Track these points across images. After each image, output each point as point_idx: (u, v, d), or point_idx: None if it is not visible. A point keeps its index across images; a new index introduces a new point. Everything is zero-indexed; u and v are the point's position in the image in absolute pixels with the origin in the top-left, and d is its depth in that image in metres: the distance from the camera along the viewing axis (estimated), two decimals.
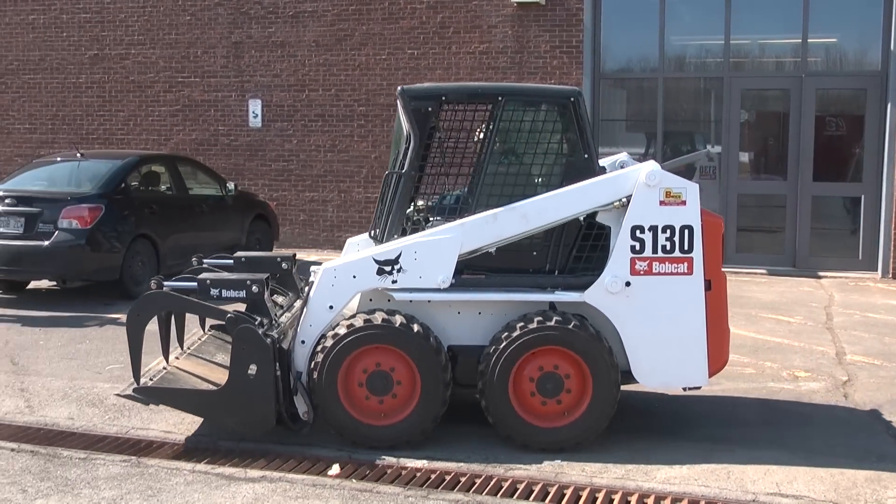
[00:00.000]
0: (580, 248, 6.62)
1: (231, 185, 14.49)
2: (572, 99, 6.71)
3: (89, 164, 12.88)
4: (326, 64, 16.65)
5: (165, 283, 6.74)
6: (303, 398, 6.44)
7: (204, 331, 7.82)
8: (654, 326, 6.42)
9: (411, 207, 6.98)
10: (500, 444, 6.51)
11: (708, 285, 6.46)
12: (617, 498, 5.75)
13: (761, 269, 14.77)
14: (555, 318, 6.33)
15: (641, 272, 6.37)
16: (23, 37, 18.61)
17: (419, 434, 6.44)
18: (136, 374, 6.40)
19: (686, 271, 6.38)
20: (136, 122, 17.93)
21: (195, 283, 6.68)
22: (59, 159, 13.70)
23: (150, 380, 6.58)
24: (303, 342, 6.55)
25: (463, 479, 5.98)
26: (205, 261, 7.62)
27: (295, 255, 7.87)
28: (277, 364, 6.24)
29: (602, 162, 7.19)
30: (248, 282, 6.61)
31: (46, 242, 11.47)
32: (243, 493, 5.66)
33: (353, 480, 5.93)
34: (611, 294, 6.38)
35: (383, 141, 16.29)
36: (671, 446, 6.61)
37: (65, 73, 18.34)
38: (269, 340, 6.21)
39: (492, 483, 5.92)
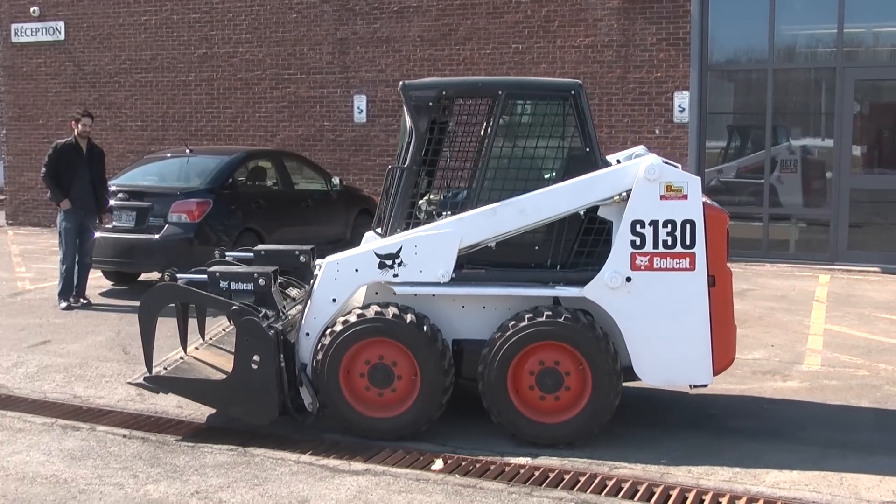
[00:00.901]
0: (582, 242, 6.56)
1: (336, 180, 14.64)
2: (573, 92, 6.63)
3: (198, 160, 13.16)
4: (431, 59, 16.69)
5: (179, 275, 6.98)
6: (308, 390, 6.55)
7: (230, 322, 7.77)
8: (656, 322, 6.32)
9: (422, 201, 7.00)
10: (603, 443, 6.44)
11: (712, 281, 6.34)
12: (724, 501, 5.61)
13: (874, 267, 14.26)
14: (548, 314, 6.30)
15: (642, 267, 6.29)
16: (135, 37, 19.14)
17: (418, 428, 6.51)
18: (149, 362, 6.65)
19: (688, 267, 6.27)
20: (244, 118, 18.27)
21: (206, 276, 6.88)
22: (168, 155, 14.04)
23: (165, 369, 6.82)
24: (307, 334, 6.67)
25: (567, 477, 5.91)
26: (227, 254, 7.89)
27: (314, 248, 7.91)
28: (282, 356, 6.41)
29: (618, 154, 7.20)
30: (256, 275, 6.80)
31: (157, 236, 11.76)
32: (347, 486, 5.70)
33: (457, 475, 5.92)
34: (611, 289, 6.31)
35: None
36: (780, 449, 6.42)
37: (175, 71, 18.79)
38: (272, 332, 6.38)
39: (596, 481, 5.84)
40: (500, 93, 6.66)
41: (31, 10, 19.96)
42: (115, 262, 12.14)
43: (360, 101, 17.27)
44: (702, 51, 15.25)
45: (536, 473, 5.96)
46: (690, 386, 6.82)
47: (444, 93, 6.75)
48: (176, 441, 6.54)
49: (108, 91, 19.53)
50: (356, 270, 6.63)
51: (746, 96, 16.19)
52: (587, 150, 6.62)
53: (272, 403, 6.43)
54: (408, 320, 6.40)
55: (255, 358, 6.36)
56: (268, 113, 18.11)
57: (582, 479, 5.86)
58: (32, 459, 6.12)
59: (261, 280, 6.76)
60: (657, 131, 15.40)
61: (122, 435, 6.62)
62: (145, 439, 6.55)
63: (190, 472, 5.91)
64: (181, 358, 7.09)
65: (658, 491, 5.71)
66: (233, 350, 6.67)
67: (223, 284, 6.78)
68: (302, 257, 7.79)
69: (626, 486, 5.79)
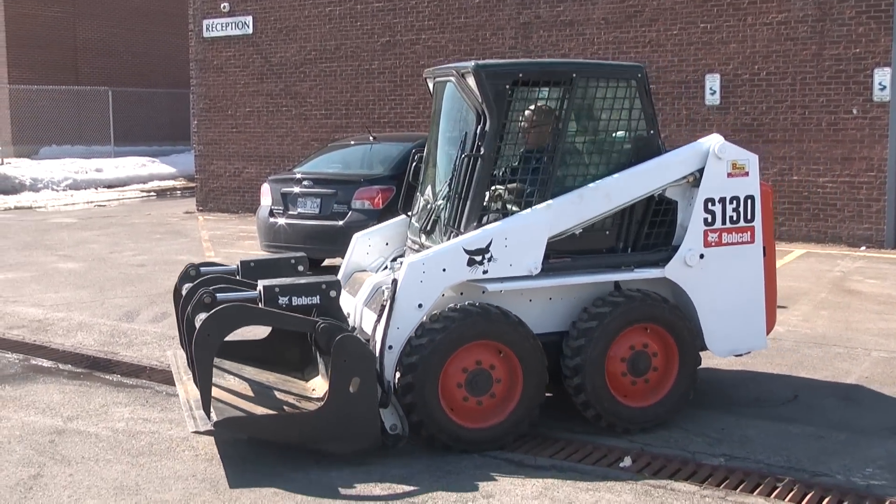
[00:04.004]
0: (650, 224, 6.51)
1: None
2: (639, 74, 6.49)
3: (381, 147, 13.24)
4: (616, 41, 16.26)
5: (220, 295, 5.99)
6: (396, 410, 5.80)
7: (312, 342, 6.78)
8: (724, 295, 6.51)
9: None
10: (802, 446, 6.04)
11: (763, 251, 6.60)
12: None
13: None
14: (639, 297, 6.23)
15: (713, 244, 6.46)
16: (320, 28, 19.51)
17: (521, 432, 6.06)
18: (207, 403, 5.61)
19: (749, 240, 6.56)
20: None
21: (257, 292, 5.97)
22: (352, 143, 14.19)
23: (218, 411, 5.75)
24: (390, 347, 5.87)
25: (763, 483, 5.53)
26: (202, 269, 6.96)
27: (305, 256, 7.22)
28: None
29: None
30: (324, 285, 6.00)
31: (341, 222, 11.88)
32: (532, 482, 5.51)
33: (646, 475, 5.64)
34: (688, 267, 6.40)
35: (673, 119, 15.72)
36: None
37: (358, 60, 19.04)
38: (370, 349, 5.74)
39: (794, 489, 5.43)
40: (573, 75, 6.33)
41: (222, 6, 20.65)
42: (299, 248, 12.33)
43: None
44: None
45: (731, 477, 5.61)
46: (745, 352, 6.92)
47: (520, 75, 6.29)
48: None
49: (293, 81, 19.99)
50: (443, 270, 5.97)
51: None
52: (651, 132, 6.52)
53: (375, 430, 5.67)
54: (511, 318, 5.97)
55: (355, 380, 5.56)
56: None
57: (780, 486, 5.47)
58: None
59: (331, 291, 5.99)
60: (855, 111, 14.50)
61: None
62: None
63: (373, 462, 5.84)
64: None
65: None
66: (241, 374, 6.28)
67: (282, 300, 5.86)
68: (299, 266, 7.06)
69: (828, 497, 5.35)
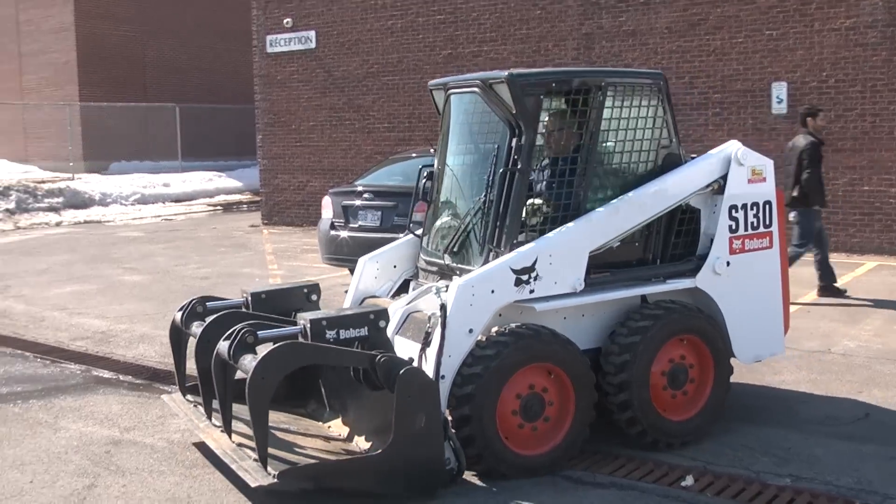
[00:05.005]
0: (676, 233, 6.45)
1: None
2: (662, 82, 6.41)
3: None
4: (679, 51, 16.02)
5: (260, 332, 5.47)
6: (453, 444, 5.42)
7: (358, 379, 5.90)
8: (747, 302, 6.50)
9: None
10: (873, 466, 5.78)
11: None
12: None
13: None
14: (679, 308, 6.16)
15: (737, 251, 6.46)
16: (382, 41, 19.55)
17: (573, 454, 5.83)
18: (265, 456, 5.09)
19: (768, 245, 6.61)
20: None
21: (301, 327, 5.47)
22: (413, 155, 14.13)
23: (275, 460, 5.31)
24: (443, 377, 5.50)
25: None
26: (208, 304, 6.51)
27: (318, 284, 6.81)
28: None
29: None
30: (372, 315, 5.53)
31: (401, 235, 11.80)
32: (590, 499, 5.36)
33: (709, 495, 5.44)
34: (716, 275, 6.37)
35: (739, 129, 15.41)
36: None
37: (420, 73, 19.02)
38: (434, 382, 5.37)
39: None
40: (602, 84, 6.15)
41: (285, 21, 20.81)
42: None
43: None
44: None
45: (797, 498, 5.38)
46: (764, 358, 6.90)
47: (553, 84, 6.07)
48: None
49: (356, 95, 20.05)
50: (492, 292, 5.67)
51: None
52: (674, 140, 6.46)
53: (442, 468, 5.33)
54: (560, 337, 5.75)
55: (421, 417, 5.18)
56: None
57: None
58: None
59: (379, 322, 5.53)
60: None
61: None
62: None
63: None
64: (239, 444, 5.61)
65: None
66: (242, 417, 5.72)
67: (330, 335, 5.36)
68: (313, 296, 6.65)
69: None
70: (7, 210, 22.90)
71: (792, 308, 10.34)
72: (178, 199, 26.99)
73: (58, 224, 22.51)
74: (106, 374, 8.50)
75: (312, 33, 20.57)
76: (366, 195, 12.34)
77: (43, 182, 25.52)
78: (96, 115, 30.10)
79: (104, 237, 19.63)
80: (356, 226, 12.24)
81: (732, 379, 7.22)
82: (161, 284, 13.16)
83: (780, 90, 15.04)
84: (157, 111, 31.02)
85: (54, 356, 9.18)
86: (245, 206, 26.91)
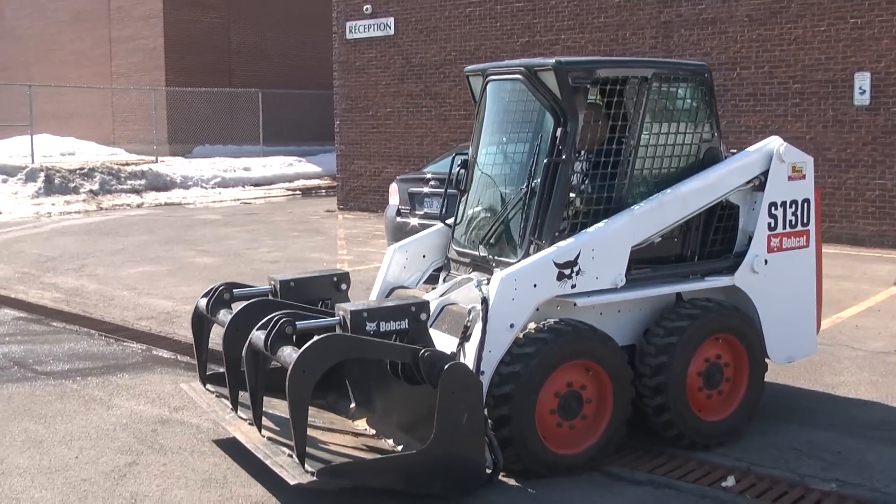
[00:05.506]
0: (715, 230, 6.30)
1: None
2: (706, 74, 6.29)
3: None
4: (760, 39, 15.62)
5: (298, 323, 5.34)
6: (492, 443, 5.26)
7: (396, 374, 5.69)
8: (783, 301, 6.37)
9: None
10: None
11: None
12: None
13: None
14: (716, 306, 6.00)
15: (776, 249, 6.33)
16: (460, 29, 19.49)
17: (609, 453, 5.66)
18: (303, 453, 4.96)
19: (804, 244, 6.47)
20: None
21: (338, 318, 5.32)
22: None
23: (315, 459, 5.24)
24: (482, 373, 5.36)
25: None
26: (235, 291, 6.39)
27: (347, 273, 6.59)
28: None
29: None
30: (413, 308, 5.33)
31: None
32: (624, 496, 5.26)
33: (748, 497, 5.28)
34: (754, 273, 6.23)
35: (819, 120, 14.98)
36: None
37: (498, 60, 18.87)
38: (478, 378, 5.21)
39: None
40: (649, 74, 5.99)
41: (364, 7, 20.89)
42: None
43: None
44: None
45: None
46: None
47: (599, 74, 5.93)
48: None
49: (433, 82, 20.03)
50: (535, 286, 5.52)
51: None
52: (716, 134, 6.34)
53: (482, 468, 5.18)
54: (599, 333, 5.60)
55: (464, 414, 5.02)
56: None
57: None
58: None
59: (422, 314, 5.34)
60: None
61: None
62: None
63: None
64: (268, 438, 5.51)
65: None
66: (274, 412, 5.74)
67: (370, 327, 5.18)
68: (342, 284, 6.46)
69: None
70: (91, 191, 23.48)
71: (861, 307, 10.11)
72: (257, 184, 27.35)
73: (139, 206, 23.00)
74: (165, 354, 8.63)
75: (391, 20, 20.61)
76: (432, 182, 12.28)
77: (127, 164, 26.12)
78: (181, 99, 30.66)
79: (182, 219, 19.99)
80: (422, 213, 12.19)
81: (788, 379, 7.07)
82: (230, 267, 13.33)
83: (863, 81, 14.55)
84: (241, 96, 31.46)
85: (118, 335, 9.36)
86: (323, 190, 27.14)
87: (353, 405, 6.32)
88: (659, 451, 5.94)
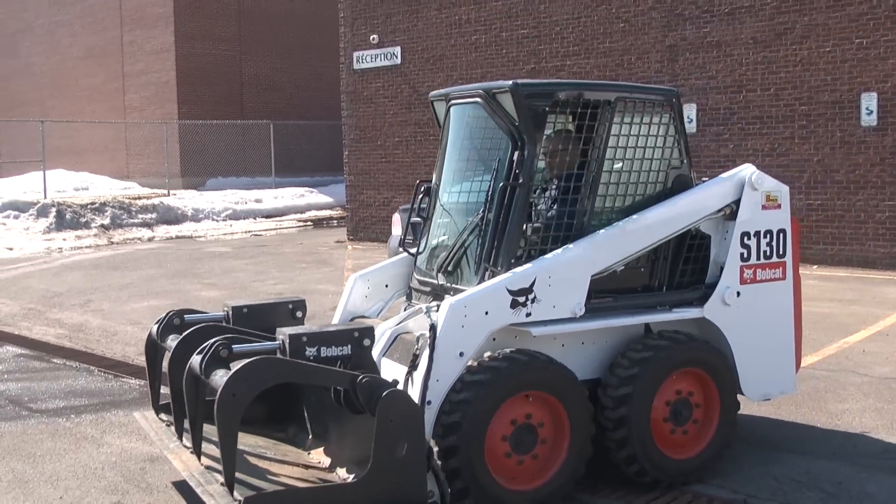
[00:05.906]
0: (685, 260, 6.09)
1: None
2: (674, 99, 6.09)
3: None
4: (765, 61, 15.53)
5: (235, 346, 5.11)
6: (438, 475, 5.00)
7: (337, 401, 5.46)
8: (758, 336, 6.13)
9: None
10: None
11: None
12: None
13: None
14: (685, 338, 5.79)
15: (748, 280, 6.11)
16: (466, 56, 19.49)
17: (567, 493, 5.37)
18: (232, 480, 4.73)
19: (780, 276, 6.23)
20: None
21: (278, 343, 5.13)
22: None
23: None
24: (429, 403, 5.13)
25: None
26: (186, 317, 6.18)
27: (304, 301, 6.38)
28: None
29: None
30: (357, 333, 5.08)
31: None
32: None
33: None
34: (725, 306, 6.01)
35: (826, 142, 14.85)
36: None
37: None
38: (419, 406, 4.94)
39: None
40: (613, 98, 5.81)
41: (371, 37, 20.94)
42: None
43: (689, 110, 16.40)
44: None
45: None
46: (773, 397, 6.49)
47: (559, 96, 5.71)
48: None
49: None
50: (486, 313, 5.29)
51: None
52: (685, 161, 6.14)
53: (423, 499, 4.85)
54: (556, 365, 5.36)
55: (402, 444, 4.73)
56: None
57: None
58: None
59: (364, 340, 5.08)
60: None
61: None
62: None
63: None
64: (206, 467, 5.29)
65: None
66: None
67: (310, 352, 4.96)
68: (298, 312, 6.28)
69: None
70: (102, 226, 23.55)
71: (870, 331, 9.94)
72: (269, 215, 27.39)
73: (150, 239, 23.05)
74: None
75: (398, 49, 20.65)
76: None
77: (138, 198, 26.22)
78: (193, 132, 30.80)
79: (191, 252, 19.99)
80: None
81: (791, 406, 6.91)
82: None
83: (869, 101, 14.42)
84: (252, 128, 31.59)
85: (118, 371, 9.30)
86: (335, 221, 27.15)
87: (310, 437, 6.12)
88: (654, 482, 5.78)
